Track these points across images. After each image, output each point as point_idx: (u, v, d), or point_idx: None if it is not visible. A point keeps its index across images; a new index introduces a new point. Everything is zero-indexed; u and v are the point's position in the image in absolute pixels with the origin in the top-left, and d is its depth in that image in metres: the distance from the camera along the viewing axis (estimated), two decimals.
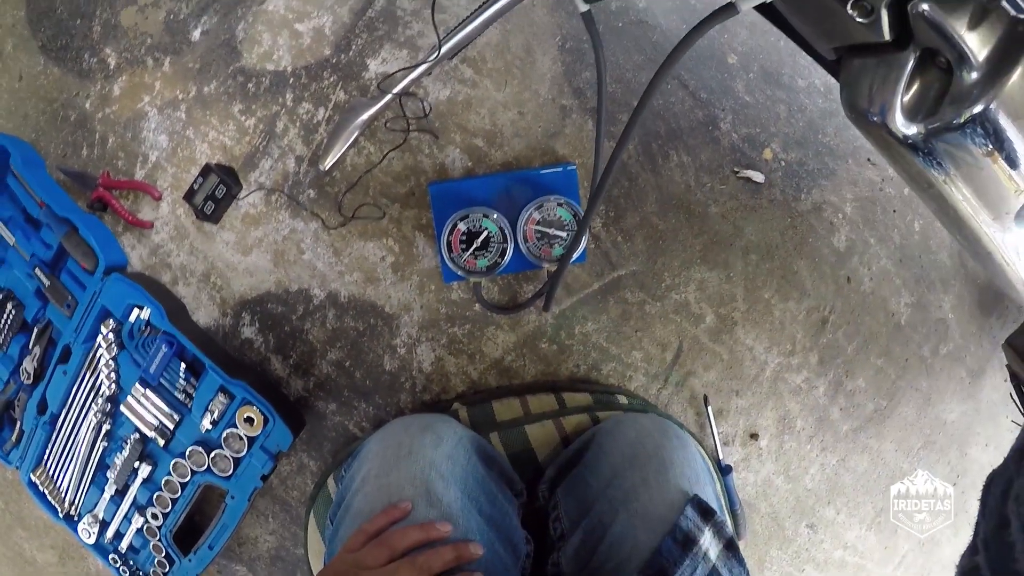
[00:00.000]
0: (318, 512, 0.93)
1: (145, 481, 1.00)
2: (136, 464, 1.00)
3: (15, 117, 1.08)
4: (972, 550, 0.51)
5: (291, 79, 0.98)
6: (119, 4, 1.04)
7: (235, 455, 0.94)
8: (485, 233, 0.91)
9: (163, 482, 0.99)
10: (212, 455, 0.95)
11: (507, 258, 0.92)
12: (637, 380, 1.02)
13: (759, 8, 0.55)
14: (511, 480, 0.81)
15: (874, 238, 1.04)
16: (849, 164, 1.03)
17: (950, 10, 0.50)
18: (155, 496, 1.00)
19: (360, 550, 0.62)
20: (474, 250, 0.92)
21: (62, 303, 0.99)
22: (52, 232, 0.99)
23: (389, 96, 0.90)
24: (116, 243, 1.01)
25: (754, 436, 1.04)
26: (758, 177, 0.99)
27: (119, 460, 1.00)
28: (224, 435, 0.94)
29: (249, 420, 0.93)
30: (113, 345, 0.97)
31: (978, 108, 0.53)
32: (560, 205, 0.91)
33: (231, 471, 0.95)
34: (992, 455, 1.18)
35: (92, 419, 1.00)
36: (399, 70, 0.88)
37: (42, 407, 1.03)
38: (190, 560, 1.00)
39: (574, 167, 0.93)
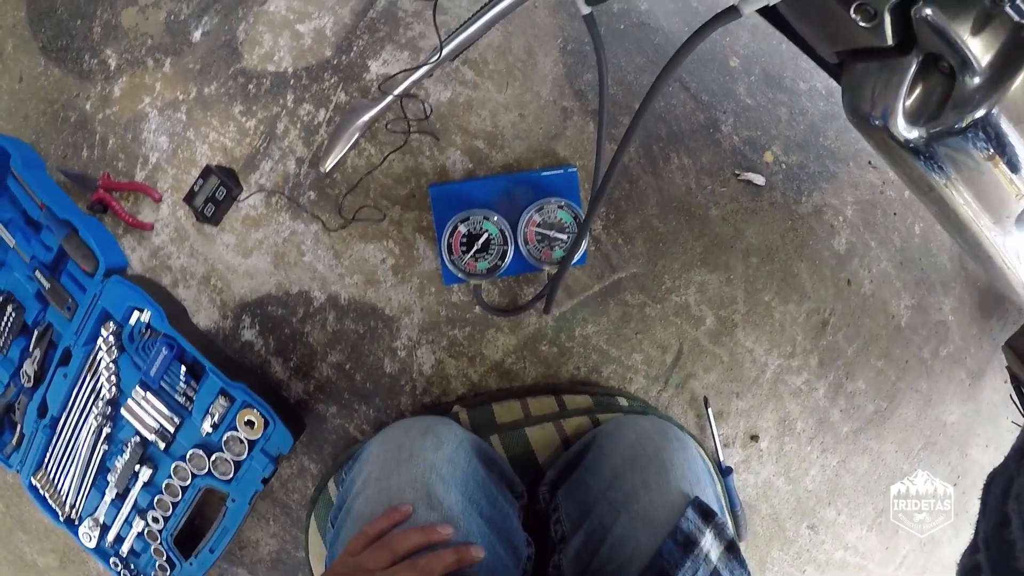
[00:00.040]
0: (319, 515, 0.93)
1: (146, 484, 1.00)
2: (137, 467, 0.99)
3: (15, 118, 1.08)
4: (973, 549, 0.51)
5: (292, 80, 0.98)
6: (120, 5, 1.03)
7: (236, 458, 0.94)
8: (486, 235, 0.91)
9: (164, 485, 0.99)
10: (213, 458, 0.95)
11: (507, 260, 0.92)
12: (637, 382, 1.02)
13: (761, 11, 0.55)
14: (512, 482, 0.81)
15: (875, 241, 1.04)
16: (850, 167, 1.03)
17: (953, 15, 0.50)
18: (156, 499, 1.00)
19: (361, 553, 0.62)
20: (475, 252, 0.91)
21: (62, 306, 0.99)
22: (52, 234, 0.98)
23: (390, 98, 0.89)
24: (116, 245, 1.01)
25: (754, 438, 1.05)
26: (759, 180, 0.99)
27: (120, 463, 0.99)
28: (225, 438, 0.94)
29: (250, 423, 0.93)
30: (113, 348, 0.97)
31: (980, 113, 0.53)
32: (561, 207, 0.91)
33: (232, 474, 0.95)
34: (992, 456, 1.18)
35: (92, 422, 1.00)
36: (400, 72, 0.88)
37: (42, 410, 1.03)
38: (191, 564, 1.00)
39: (575, 169, 0.93)
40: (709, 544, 0.64)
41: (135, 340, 0.97)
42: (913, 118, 0.57)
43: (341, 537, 0.68)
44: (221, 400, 0.93)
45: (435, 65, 0.83)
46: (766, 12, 0.58)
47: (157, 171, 1.01)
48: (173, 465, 0.97)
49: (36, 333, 1.04)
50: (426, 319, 0.99)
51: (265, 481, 0.95)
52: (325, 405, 1.02)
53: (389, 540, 0.62)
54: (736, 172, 0.99)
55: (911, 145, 0.58)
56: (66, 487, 1.04)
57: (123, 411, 0.98)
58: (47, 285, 1.00)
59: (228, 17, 1.00)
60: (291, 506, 1.06)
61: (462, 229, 0.91)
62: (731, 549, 0.65)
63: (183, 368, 0.95)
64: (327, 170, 0.94)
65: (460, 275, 0.92)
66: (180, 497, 0.98)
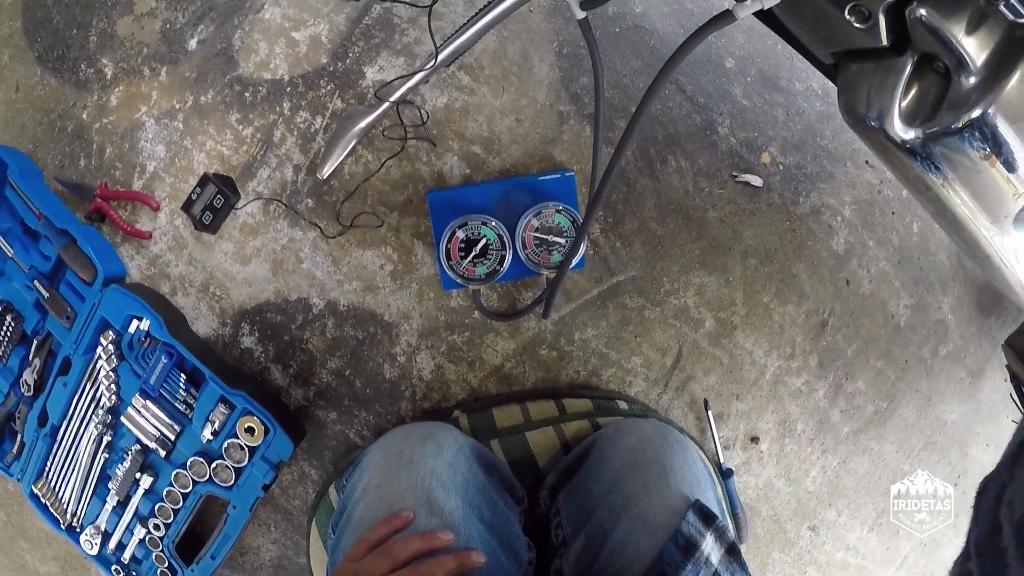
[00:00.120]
0: (320, 521, 0.93)
1: (147, 492, 1.00)
2: (137, 475, 0.99)
3: (12, 128, 1.08)
4: (964, 556, 0.51)
5: (288, 88, 0.98)
6: (115, 14, 1.03)
7: (236, 465, 0.94)
8: (484, 240, 0.91)
9: (165, 493, 0.99)
10: (213, 465, 0.95)
11: (506, 265, 0.92)
12: (637, 385, 1.02)
13: (757, 13, 0.55)
14: (512, 487, 0.81)
15: (873, 240, 1.04)
16: (847, 167, 1.03)
17: (948, 15, 0.50)
18: (157, 507, 1.00)
19: (362, 559, 0.62)
20: (473, 257, 0.92)
21: (61, 315, 0.99)
22: (50, 244, 0.98)
23: (386, 104, 0.89)
24: (115, 254, 1.01)
25: (755, 439, 1.04)
26: (756, 181, 0.99)
27: (120, 471, 0.99)
28: (225, 445, 0.94)
29: (250, 430, 0.93)
30: (113, 356, 0.97)
31: (976, 113, 0.53)
32: (558, 211, 0.91)
33: (232, 481, 0.95)
34: (993, 455, 1.18)
35: (93, 431, 1.00)
36: (396, 78, 0.88)
37: (43, 419, 1.03)
38: (192, 570, 1.00)
39: (572, 173, 0.93)
40: (710, 547, 0.64)
41: (134, 348, 0.97)
42: (909, 118, 0.57)
43: (342, 543, 0.68)
44: (221, 407, 0.93)
45: (431, 71, 0.83)
46: (761, 14, 0.58)
47: (154, 180, 1.01)
48: (174, 472, 0.97)
49: (35, 342, 1.04)
50: (425, 324, 0.99)
51: (266, 488, 0.95)
52: (325, 411, 1.02)
53: (390, 546, 0.62)
54: (733, 174, 0.99)
55: (907, 145, 0.58)
56: (67, 495, 1.04)
57: (123, 419, 0.98)
58: (46, 294, 1.00)
59: (224, 25, 1.00)
60: (292, 512, 1.06)
61: (460, 234, 0.91)
62: (732, 552, 0.65)
63: (183, 376, 0.95)
64: (324, 177, 0.94)
65: (459, 280, 0.92)
66: (181, 504, 0.98)
